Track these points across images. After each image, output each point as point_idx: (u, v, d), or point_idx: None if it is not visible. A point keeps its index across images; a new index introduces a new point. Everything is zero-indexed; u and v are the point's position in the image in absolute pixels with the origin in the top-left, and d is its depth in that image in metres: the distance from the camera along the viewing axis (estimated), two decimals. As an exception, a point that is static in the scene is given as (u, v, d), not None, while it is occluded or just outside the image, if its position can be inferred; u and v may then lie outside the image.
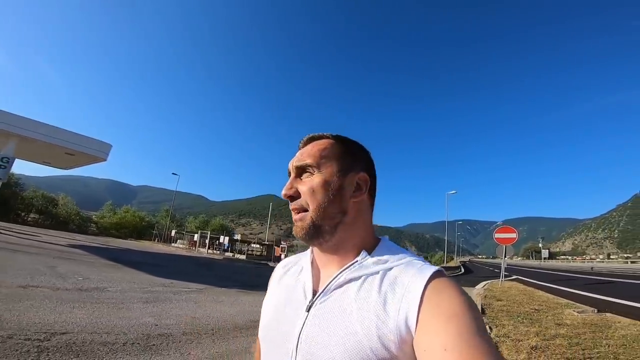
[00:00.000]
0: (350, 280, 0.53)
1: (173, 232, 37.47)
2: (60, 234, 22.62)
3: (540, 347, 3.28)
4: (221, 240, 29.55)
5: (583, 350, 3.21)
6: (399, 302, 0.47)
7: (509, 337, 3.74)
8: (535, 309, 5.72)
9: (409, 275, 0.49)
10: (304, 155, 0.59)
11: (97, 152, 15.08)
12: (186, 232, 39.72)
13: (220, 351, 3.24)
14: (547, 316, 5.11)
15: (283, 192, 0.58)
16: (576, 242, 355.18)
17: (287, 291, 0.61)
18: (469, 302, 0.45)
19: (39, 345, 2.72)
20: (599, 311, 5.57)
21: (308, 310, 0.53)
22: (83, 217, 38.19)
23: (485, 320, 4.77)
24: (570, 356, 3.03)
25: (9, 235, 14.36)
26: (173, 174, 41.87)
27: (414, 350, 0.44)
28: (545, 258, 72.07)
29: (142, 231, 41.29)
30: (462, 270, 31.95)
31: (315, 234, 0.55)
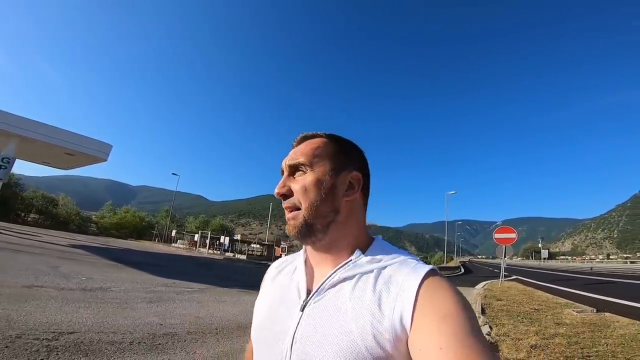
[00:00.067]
0: (344, 279, 0.53)
1: (173, 232, 37.50)
2: (60, 234, 22.65)
3: (540, 346, 3.34)
4: (221, 241, 29.60)
5: (582, 349, 3.27)
6: (393, 300, 0.47)
7: (508, 336, 3.80)
8: (535, 309, 5.78)
9: (404, 274, 0.49)
10: (297, 154, 0.59)
11: (97, 152, 15.12)
12: (186, 232, 39.76)
13: (225, 350, 3.29)
14: (546, 316, 5.17)
15: (276, 190, 0.59)
16: (576, 242, 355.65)
17: (281, 291, 0.61)
18: (463, 302, 0.45)
19: (48, 345, 2.77)
20: (598, 311, 5.63)
21: (302, 309, 0.53)
22: (83, 217, 38.21)
23: (485, 319, 4.82)
24: (569, 355, 3.08)
25: (10, 235, 14.39)
26: (173, 174, 41.96)
27: (408, 348, 0.44)
28: (544, 258, 72.11)
29: (142, 231, 41.31)
30: (462, 270, 32.01)
31: (308, 233, 0.55)
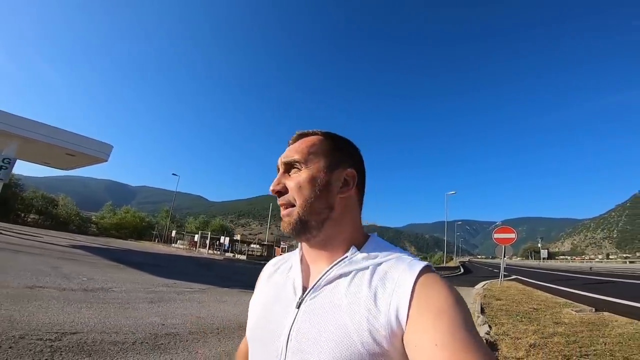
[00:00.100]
0: (340, 276, 0.53)
1: (173, 232, 37.52)
2: (60, 235, 22.66)
3: (539, 345, 3.37)
4: (221, 241, 29.62)
5: (580, 347, 3.30)
6: (389, 296, 0.47)
7: (508, 335, 3.83)
8: (534, 308, 5.81)
9: (399, 270, 0.49)
10: (292, 151, 0.59)
11: (97, 152, 15.13)
12: (186, 232, 39.77)
13: (226, 349, 3.32)
14: (545, 315, 5.21)
15: (271, 187, 0.59)
16: (575, 242, 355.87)
17: (277, 289, 0.60)
18: (457, 298, 0.45)
19: (52, 345, 2.79)
20: (596, 310, 5.66)
21: (298, 306, 0.53)
22: (83, 217, 38.24)
23: (484, 319, 4.85)
24: (568, 353, 3.12)
25: (10, 236, 14.41)
26: (173, 174, 41.98)
27: (403, 344, 0.45)
28: (544, 258, 72.20)
29: (142, 232, 41.33)
30: (462, 270, 32.09)
31: (302, 230, 0.56)
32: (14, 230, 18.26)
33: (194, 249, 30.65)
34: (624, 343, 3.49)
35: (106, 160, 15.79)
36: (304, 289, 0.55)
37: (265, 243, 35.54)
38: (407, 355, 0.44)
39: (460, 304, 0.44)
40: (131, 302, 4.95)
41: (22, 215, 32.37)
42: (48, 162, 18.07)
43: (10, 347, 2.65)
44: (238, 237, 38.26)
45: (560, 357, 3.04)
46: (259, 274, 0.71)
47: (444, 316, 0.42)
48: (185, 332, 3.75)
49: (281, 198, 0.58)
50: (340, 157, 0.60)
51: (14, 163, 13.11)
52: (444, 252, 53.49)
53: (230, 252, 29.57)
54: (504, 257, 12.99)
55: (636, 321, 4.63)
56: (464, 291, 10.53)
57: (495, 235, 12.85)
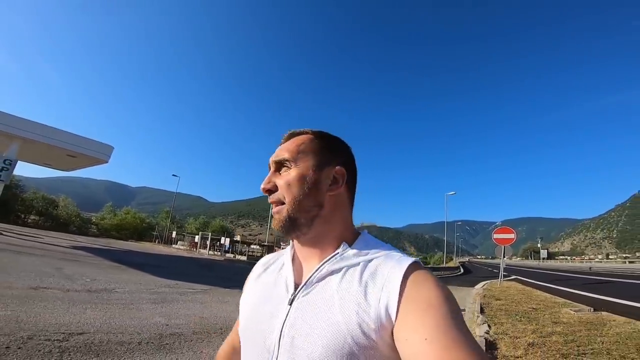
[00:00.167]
0: (332, 272, 0.53)
1: (174, 233, 37.56)
2: (61, 236, 22.71)
3: (537, 344, 3.43)
4: (222, 242, 29.67)
5: (578, 346, 3.36)
6: (379, 291, 0.48)
7: (507, 334, 3.89)
8: (533, 308, 5.87)
9: (389, 266, 0.50)
10: (282, 150, 0.60)
11: (98, 154, 15.17)
12: (186, 233, 39.82)
13: (230, 349, 3.37)
14: (544, 315, 5.26)
15: (261, 186, 0.60)
16: (575, 242, 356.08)
17: (268, 287, 0.61)
18: (446, 293, 0.46)
19: (60, 346, 2.85)
20: (595, 310, 5.72)
21: (290, 303, 0.54)
22: (83, 218, 38.31)
23: (484, 318, 4.91)
24: (566, 352, 3.17)
25: (11, 237, 14.45)
26: (173, 175, 42.04)
27: (392, 337, 0.45)
28: (544, 258, 72.29)
29: (142, 232, 41.40)
30: (462, 270, 32.12)
31: (292, 227, 0.56)
32: (15, 231, 18.31)
33: (195, 249, 30.69)
34: (621, 342, 3.54)
35: (107, 162, 15.83)
36: (296, 286, 0.56)
37: (266, 244, 35.56)
38: (396, 349, 0.45)
39: (448, 299, 0.45)
40: (135, 302, 5.01)
41: (23, 216, 32.41)
42: (49, 164, 18.11)
43: (19, 348, 2.70)
44: (238, 237, 38.31)
45: (558, 355, 3.09)
46: None
47: (433, 311, 0.43)
48: (189, 332, 3.80)
49: (271, 196, 0.59)
50: (330, 155, 0.60)
51: (15, 164, 13.15)
52: (443, 253, 53.55)
53: (231, 253, 29.62)
54: (504, 257, 13.04)
55: (634, 321, 4.68)
56: (463, 291, 10.59)
57: (495, 236, 12.91)
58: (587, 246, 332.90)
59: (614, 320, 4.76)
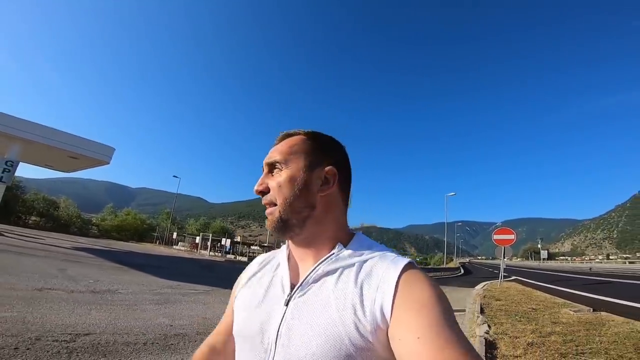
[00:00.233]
0: (327, 273, 0.54)
1: (174, 234, 37.60)
2: (62, 237, 22.76)
3: (536, 344, 3.48)
4: (223, 243, 29.73)
5: (576, 346, 3.41)
6: (374, 292, 0.48)
7: (506, 334, 3.94)
8: (533, 308, 5.92)
9: (384, 267, 0.51)
10: (274, 152, 0.61)
11: (100, 155, 15.22)
12: (187, 234, 39.86)
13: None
14: (544, 315, 5.31)
15: (254, 188, 0.61)
16: (575, 242, 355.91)
17: (264, 287, 0.61)
18: (439, 294, 0.47)
19: (68, 347, 2.90)
20: (594, 310, 5.77)
21: (287, 303, 0.54)
22: (84, 219, 38.34)
23: (484, 318, 4.96)
24: (564, 352, 3.22)
25: (13, 238, 14.50)
26: (174, 176, 42.14)
27: (388, 337, 0.46)
28: (544, 259, 72.32)
29: (143, 234, 41.45)
30: (462, 271, 32.13)
31: (284, 228, 0.57)
32: (16, 232, 18.35)
33: (195, 250, 30.74)
34: (619, 342, 3.59)
35: (108, 163, 15.88)
36: (292, 286, 0.56)
37: (266, 245, 35.63)
38: (391, 349, 0.46)
39: (441, 299, 0.46)
40: (138, 303, 5.06)
41: (24, 217, 32.45)
42: (50, 165, 18.17)
43: (28, 349, 2.75)
44: (239, 239, 38.35)
45: (556, 355, 3.14)
46: None
47: (426, 311, 0.44)
48: (193, 332, 3.85)
49: (264, 198, 0.60)
50: (321, 155, 0.60)
51: (17, 166, 13.21)
52: (444, 253, 53.54)
53: (232, 254, 29.67)
54: (504, 258, 13.09)
55: (632, 321, 4.73)
56: (464, 292, 10.63)
57: (495, 237, 12.95)
58: (587, 247, 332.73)
59: (612, 321, 4.81)
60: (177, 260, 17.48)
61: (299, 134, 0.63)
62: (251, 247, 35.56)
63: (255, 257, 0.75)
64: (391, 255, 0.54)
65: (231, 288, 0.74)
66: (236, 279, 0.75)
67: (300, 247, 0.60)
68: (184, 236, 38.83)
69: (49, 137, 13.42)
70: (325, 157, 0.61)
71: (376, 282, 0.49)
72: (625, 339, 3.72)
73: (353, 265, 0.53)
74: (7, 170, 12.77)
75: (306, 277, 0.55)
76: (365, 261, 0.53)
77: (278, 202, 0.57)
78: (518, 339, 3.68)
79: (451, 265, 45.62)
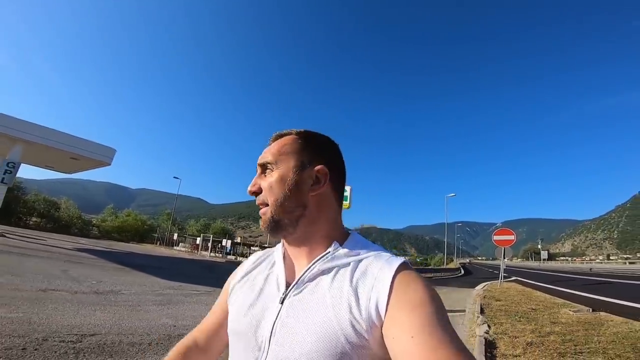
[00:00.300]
0: (323, 272, 0.54)
1: (175, 235, 37.64)
2: (63, 238, 22.79)
3: (535, 343, 3.53)
4: (223, 244, 29.78)
5: (575, 346, 3.46)
6: (369, 291, 0.49)
7: (506, 334, 3.99)
8: (533, 309, 5.97)
9: (378, 266, 0.52)
10: (267, 153, 0.61)
11: (101, 156, 15.28)
12: (188, 235, 39.89)
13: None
14: (543, 315, 5.36)
15: (248, 189, 0.61)
16: (575, 243, 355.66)
17: (259, 285, 0.61)
18: (432, 293, 0.48)
19: (74, 347, 2.94)
20: (593, 310, 5.81)
21: (282, 302, 0.54)
22: (85, 220, 38.37)
23: (484, 318, 5.01)
24: (563, 351, 3.27)
25: (14, 239, 14.54)
26: (175, 177, 42.17)
27: (382, 335, 0.47)
28: (544, 259, 72.39)
29: (143, 234, 41.46)
30: (462, 271, 32.16)
31: (276, 228, 0.58)
32: (17, 233, 18.39)
33: (196, 251, 30.78)
34: (617, 342, 3.64)
35: (109, 164, 15.93)
36: (288, 284, 0.56)
37: (266, 245, 35.65)
38: (385, 347, 0.46)
39: (434, 298, 0.47)
40: (141, 304, 5.11)
41: (24, 218, 32.49)
42: (52, 166, 18.23)
43: (35, 349, 2.79)
44: (239, 239, 38.40)
45: (555, 354, 3.19)
46: None
47: (420, 311, 0.44)
48: (197, 333, 3.89)
49: (257, 198, 0.60)
50: (312, 155, 0.60)
51: (19, 167, 13.27)
52: (444, 254, 53.54)
53: (232, 255, 29.72)
54: (504, 258, 13.13)
55: (631, 321, 4.77)
56: (464, 292, 10.67)
57: (495, 237, 13.00)
58: (587, 247, 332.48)
59: (611, 321, 4.86)
60: (178, 261, 17.51)
61: (290, 133, 0.64)
62: (251, 247, 35.60)
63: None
64: (386, 255, 0.55)
65: None
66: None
67: (294, 246, 0.60)
68: (185, 237, 38.87)
69: (50, 139, 13.47)
70: (317, 156, 0.61)
71: (371, 281, 0.50)
72: (623, 338, 3.77)
73: (349, 264, 0.54)
74: (8, 171, 12.83)
75: (302, 276, 0.55)
76: (360, 260, 0.54)
77: (269, 202, 0.58)
78: (517, 339, 3.73)
79: (451, 265, 45.63)
